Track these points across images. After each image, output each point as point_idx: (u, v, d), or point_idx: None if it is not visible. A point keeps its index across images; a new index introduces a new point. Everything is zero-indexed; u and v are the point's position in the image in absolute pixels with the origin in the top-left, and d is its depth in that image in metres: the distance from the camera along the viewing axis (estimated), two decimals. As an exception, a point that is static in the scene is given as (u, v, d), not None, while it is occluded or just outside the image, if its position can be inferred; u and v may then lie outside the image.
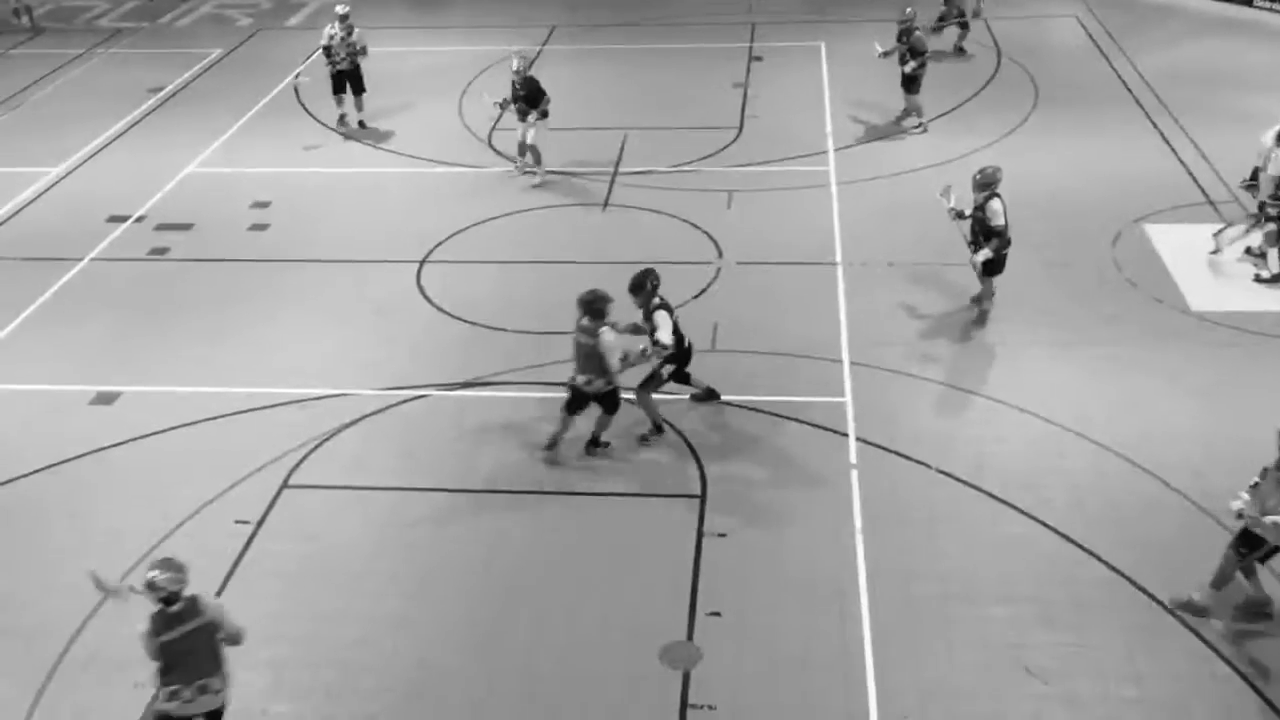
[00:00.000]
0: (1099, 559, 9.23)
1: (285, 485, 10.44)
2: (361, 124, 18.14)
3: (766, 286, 13.30)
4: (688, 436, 10.77)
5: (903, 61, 16.74)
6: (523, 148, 15.94)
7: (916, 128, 17.03)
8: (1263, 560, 8.48)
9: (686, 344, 10.55)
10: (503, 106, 16.25)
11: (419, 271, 14.00)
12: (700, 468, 10.41)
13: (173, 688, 7.10)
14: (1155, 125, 17.04)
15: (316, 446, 10.93)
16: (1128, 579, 9.03)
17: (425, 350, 12.43)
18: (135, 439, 11.11)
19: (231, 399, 11.61)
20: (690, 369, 10.83)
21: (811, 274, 13.54)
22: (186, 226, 15.35)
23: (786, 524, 9.77)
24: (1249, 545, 8.33)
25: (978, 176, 11.75)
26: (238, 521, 9.99)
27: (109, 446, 11.01)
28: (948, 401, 11.23)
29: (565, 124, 15.35)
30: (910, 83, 16.80)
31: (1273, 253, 12.59)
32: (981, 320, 12.32)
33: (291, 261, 14.36)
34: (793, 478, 10.29)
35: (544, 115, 15.76)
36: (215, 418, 11.37)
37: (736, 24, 22.48)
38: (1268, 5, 20.81)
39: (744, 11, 23.10)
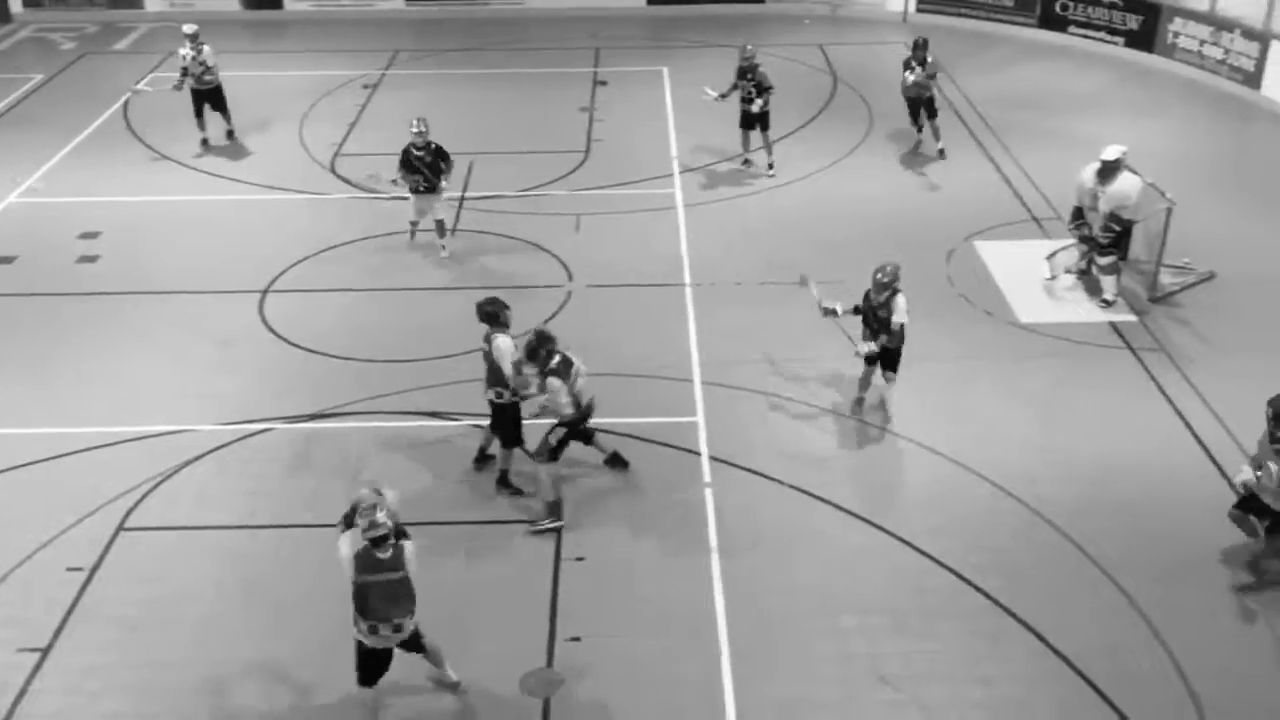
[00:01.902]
0: (944, 566, 9.55)
1: (122, 528, 10.00)
2: (230, 134, 17.87)
3: (617, 309, 13.38)
4: (542, 461, 10.73)
5: (748, 99, 16.33)
6: (441, 226, 14.40)
7: (769, 170, 16.73)
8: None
9: (586, 405, 10.05)
10: (398, 182, 14.34)
11: (261, 301, 13.61)
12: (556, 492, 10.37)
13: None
14: (981, 146, 17.81)
15: (155, 486, 10.50)
16: (972, 585, 9.36)
17: (270, 382, 12.08)
18: (-45, 486, 10.50)
19: (61, 439, 11.05)
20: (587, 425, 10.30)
21: (661, 295, 13.68)
22: (8, 260, 14.58)
23: (643, 545, 9.82)
24: (1275, 525, 9.07)
25: (880, 277, 10.76)
26: (70, 569, 9.51)
27: (-74, 495, 10.37)
28: (796, 417, 11.47)
29: (410, 149, 15.06)
30: (761, 120, 16.40)
31: (1109, 280, 13.26)
32: (859, 406, 11.54)
33: (125, 294, 13.78)
34: (648, 498, 10.35)
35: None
36: (43, 460, 10.81)
37: (580, 49, 22.62)
38: (1082, 33, 22.01)
39: (588, 36, 23.26)
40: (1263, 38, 19.11)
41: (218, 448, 11.02)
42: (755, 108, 16.34)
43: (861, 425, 11.32)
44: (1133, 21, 21.29)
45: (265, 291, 13.82)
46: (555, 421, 9.91)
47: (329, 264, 14.51)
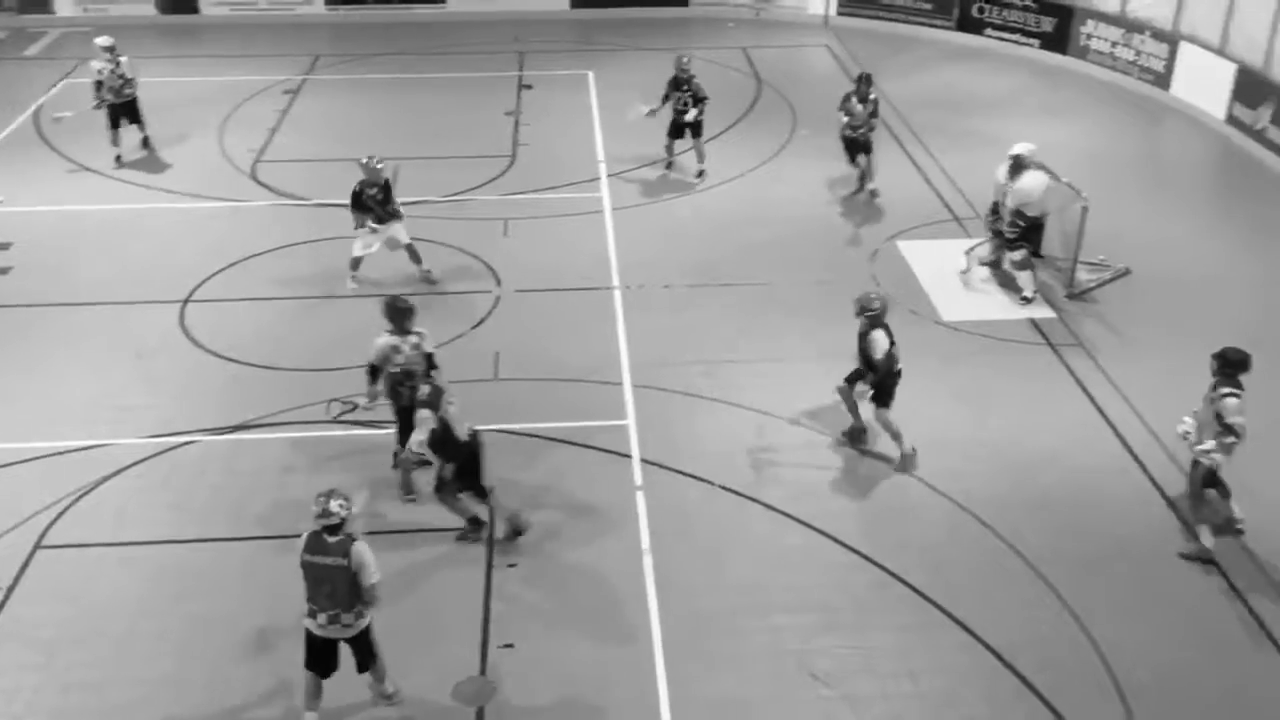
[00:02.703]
0: (874, 563, 9.67)
1: (39, 545, 9.74)
2: (145, 142, 17.50)
3: (546, 313, 13.35)
4: (472, 468, 10.65)
5: (682, 109, 16.24)
6: (415, 254, 13.74)
7: (698, 175, 16.77)
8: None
9: (470, 437, 9.51)
10: (361, 224, 13.44)
11: (182, 311, 13.35)
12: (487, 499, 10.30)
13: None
14: (902, 146, 18.05)
15: (74, 502, 10.25)
16: (900, 579, 9.48)
17: (192, 394, 11.86)
18: None
19: (-26, 457, 10.76)
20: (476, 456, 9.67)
21: (590, 299, 13.67)
22: (-85, 272, 14.17)
23: (575, 549, 9.80)
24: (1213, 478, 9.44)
25: (861, 303, 10.53)
26: (-14, 589, 9.27)
27: None
28: (726, 418, 11.53)
29: (334, 155, 14.77)
30: (694, 127, 16.37)
31: (1025, 275, 13.51)
32: (861, 437, 11.20)
33: (38, 306, 13.42)
34: (579, 503, 10.33)
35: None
36: (-44, 478, 10.52)
37: (505, 53, 22.54)
38: (998, 35, 22.44)
39: (511, 40, 23.18)
40: (1172, 39, 19.64)
41: (138, 461, 10.79)
42: (690, 117, 16.30)
43: (787, 424, 11.39)
44: (1047, 24, 21.75)
45: (185, 301, 13.56)
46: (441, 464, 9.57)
47: (251, 272, 14.27)
